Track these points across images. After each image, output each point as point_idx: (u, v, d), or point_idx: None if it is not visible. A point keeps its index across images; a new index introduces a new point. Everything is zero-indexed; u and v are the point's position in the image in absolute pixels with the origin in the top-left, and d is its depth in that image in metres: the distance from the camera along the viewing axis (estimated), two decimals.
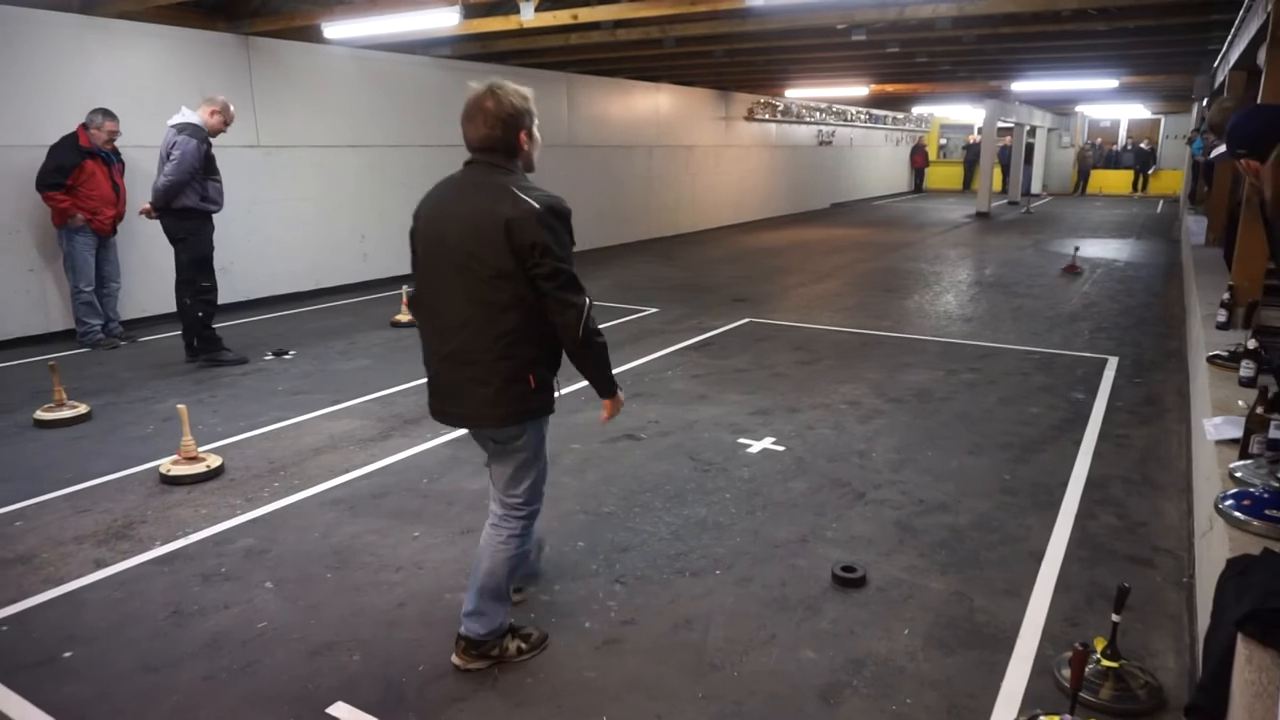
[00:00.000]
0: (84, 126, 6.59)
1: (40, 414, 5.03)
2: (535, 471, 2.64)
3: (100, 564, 3.37)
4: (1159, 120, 26.06)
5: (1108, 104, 22.37)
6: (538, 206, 2.29)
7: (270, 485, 4.16)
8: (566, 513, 3.81)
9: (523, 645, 2.73)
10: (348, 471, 4.32)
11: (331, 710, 2.48)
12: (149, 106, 7.26)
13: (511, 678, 2.64)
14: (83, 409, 5.13)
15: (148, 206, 6.13)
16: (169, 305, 6.77)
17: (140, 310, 7.61)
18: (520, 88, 2.39)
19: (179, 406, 4.28)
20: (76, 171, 6.56)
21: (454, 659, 2.68)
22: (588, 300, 2.40)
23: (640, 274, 10.94)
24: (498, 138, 2.36)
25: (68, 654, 2.77)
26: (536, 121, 2.44)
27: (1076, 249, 12.22)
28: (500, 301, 2.34)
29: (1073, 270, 10.78)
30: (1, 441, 4.78)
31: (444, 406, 2.55)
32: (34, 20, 6.78)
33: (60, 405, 5.07)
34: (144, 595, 3.14)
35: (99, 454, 4.57)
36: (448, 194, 2.46)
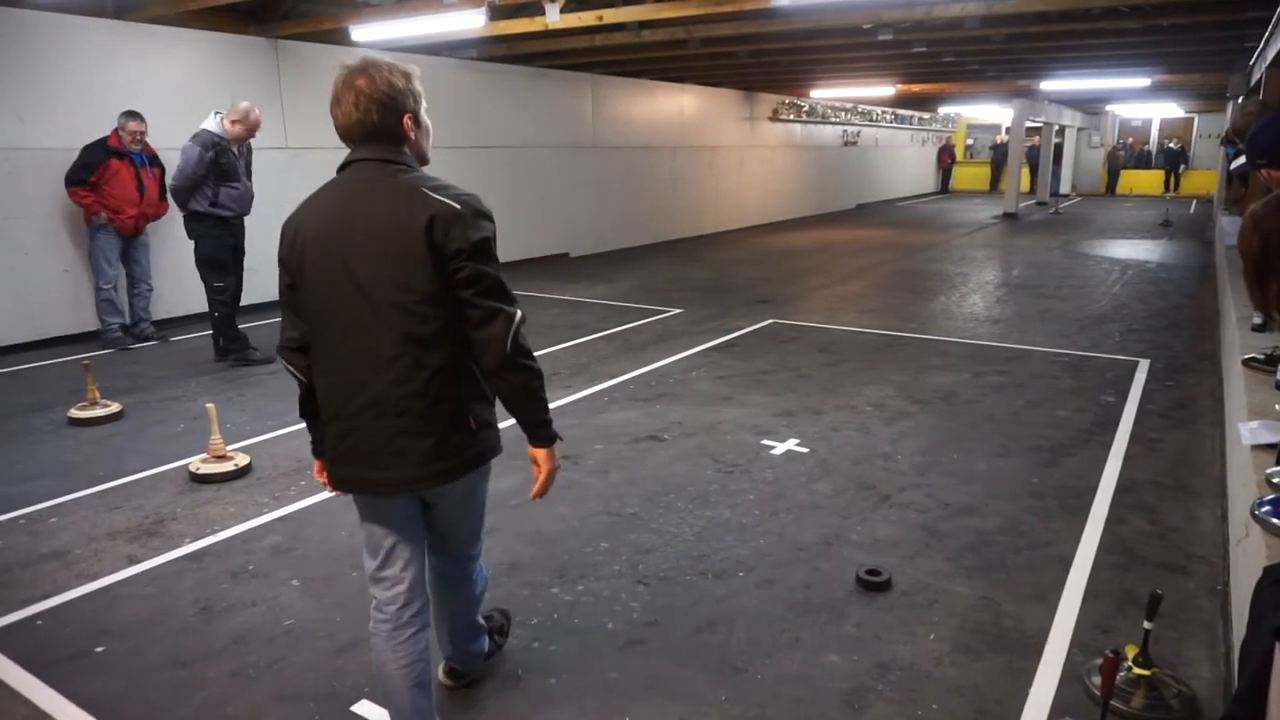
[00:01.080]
0: (116, 130, 6.72)
1: (74, 412, 5.13)
2: (480, 517, 2.34)
3: (132, 560, 3.42)
4: (1192, 119, 25.63)
5: (1139, 103, 22.02)
6: (458, 206, 1.94)
7: (296, 484, 4.21)
8: (589, 514, 3.81)
9: (500, 639, 2.76)
10: None
11: (356, 708, 2.50)
12: (181, 110, 7.35)
13: (534, 678, 2.64)
14: (115, 408, 5.22)
15: None
16: (199, 305, 6.87)
17: (170, 310, 7.73)
18: (403, 65, 2.01)
19: (208, 406, 4.33)
20: (101, 169, 6.67)
21: (441, 678, 2.59)
22: (519, 312, 2.01)
23: (664, 275, 10.93)
24: (374, 123, 1.97)
25: (100, 648, 2.82)
26: (425, 105, 2.07)
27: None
28: (428, 334, 1.95)
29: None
30: (37, 439, 4.88)
31: (364, 474, 2.04)
32: (70, 25, 6.91)
33: (94, 404, 5.16)
34: (174, 591, 3.18)
35: (131, 452, 4.65)
36: (334, 207, 1.99)
